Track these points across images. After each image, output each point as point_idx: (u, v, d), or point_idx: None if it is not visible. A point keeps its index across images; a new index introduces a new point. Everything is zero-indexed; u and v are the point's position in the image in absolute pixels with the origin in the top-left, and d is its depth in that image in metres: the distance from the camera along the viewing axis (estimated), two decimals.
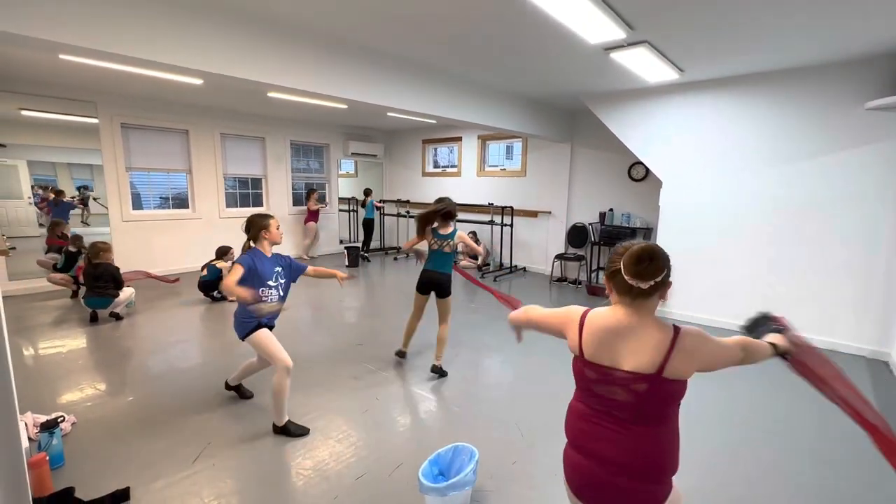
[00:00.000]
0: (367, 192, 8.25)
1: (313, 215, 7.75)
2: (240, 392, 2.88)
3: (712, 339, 1.13)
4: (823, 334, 4.00)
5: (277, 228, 2.53)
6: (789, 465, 2.32)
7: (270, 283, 2.49)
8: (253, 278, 2.40)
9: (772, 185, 4.16)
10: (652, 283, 1.07)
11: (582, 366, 1.18)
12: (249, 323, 2.45)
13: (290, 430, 2.46)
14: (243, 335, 2.48)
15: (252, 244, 2.50)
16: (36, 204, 5.61)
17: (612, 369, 1.11)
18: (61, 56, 2.77)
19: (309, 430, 2.50)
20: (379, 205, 8.51)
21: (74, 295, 5.05)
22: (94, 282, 4.21)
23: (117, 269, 4.38)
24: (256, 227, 2.48)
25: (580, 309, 1.22)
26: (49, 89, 5.21)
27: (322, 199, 7.96)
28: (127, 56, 2.54)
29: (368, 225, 8.32)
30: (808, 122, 3.94)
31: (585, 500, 1.19)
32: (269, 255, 2.50)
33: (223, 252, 5.25)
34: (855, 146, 3.75)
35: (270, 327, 2.57)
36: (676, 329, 1.11)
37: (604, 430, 1.14)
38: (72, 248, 5.29)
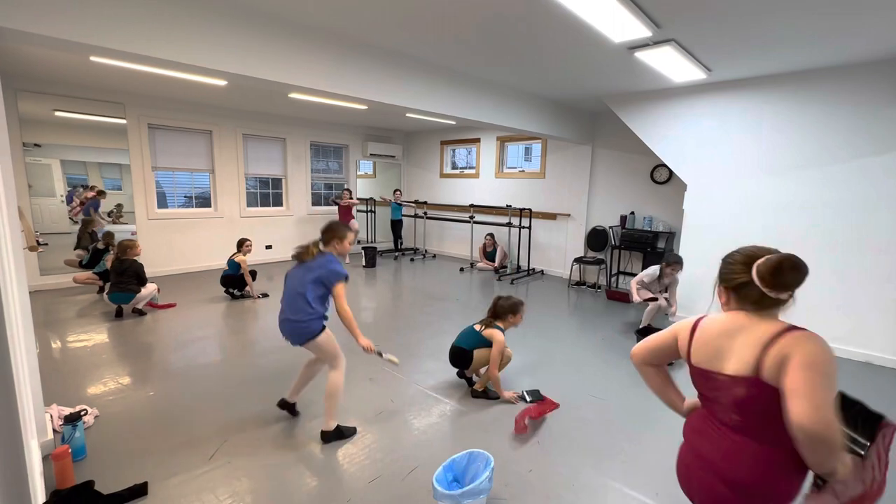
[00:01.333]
0: (399, 192, 8.21)
1: (348, 215, 7.69)
2: (292, 410, 2.66)
3: (824, 365, 0.93)
4: (859, 346, 3.82)
5: (350, 243, 2.51)
6: None
7: None
8: None
9: (806, 188, 3.99)
10: (792, 292, 1.05)
11: (690, 371, 1.19)
12: (319, 322, 2.36)
13: (343, 433, 2.45)
14: (310, 337, 2.34)
15: (322, 247, 2.43)
16: (68, 202, 5.77)
17: (715, 373, 1.10)
18: (92, 58, 2.86)
19: (356, 428, 2.52)
20: (401, 202, 8.36)
21: (101, 290, 5.20)
22: (118, 277, 4.33)
23: (141, 265, 4.49)
24: (333, 233, 2.43)
25: (694, 318, 1.22)
26: (81, 91, 5.39)
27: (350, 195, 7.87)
28: (154, 57, 2.59)
29: (395, 226, 8.26)
30: (846, 122, 3.76)
31: (688, 493, 1.22)
32: None
33: (241, 244, 5.29)
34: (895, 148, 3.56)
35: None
36: (791, 327, 1.02)
37: (707, 429, 1.15)
38: (100, 246, 5.45)
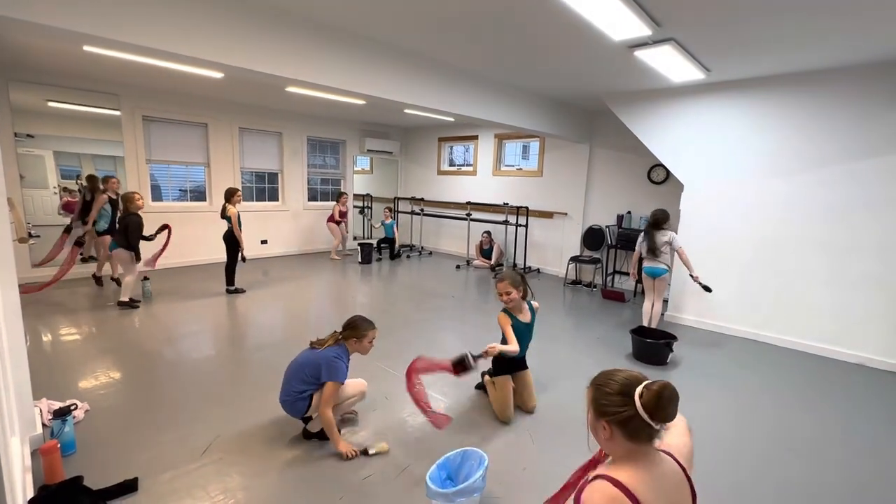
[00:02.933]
0: (389, 210, 8.15)
1: (342, 216, 7.66)
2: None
3: None
4: (851, 347, 3.84)
5: (371, 342, 2.39)
6: (815, 485, 2.21)
7: None
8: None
9: (800, 190, 4.00)
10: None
11: None
12: (306, 402, 2.29)
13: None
14: (306, 410, 2.31)
15: (341, 340, 2.36)
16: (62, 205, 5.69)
17: None
18: (85, 48, 2.81)
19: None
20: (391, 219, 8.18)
21: (98, 282, 5.16)
22: (120, 231, 4.45)
23: (134, 223, 4.41)
24: (353, 330, 2.34)
25: (618, 498, 0.94)
26: (74, 81, 5.32)
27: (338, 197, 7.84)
28: (149, 48, 2.55)
29: (387, 241, 8.10)
30: (841, 124, 3.77)
31: None
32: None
33: (231, 194, 5.05)
34: (891, 152, 3.57)
35: None
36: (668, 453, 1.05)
37: None
38: (87, 197, 5.39)
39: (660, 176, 5.76)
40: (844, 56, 3.42)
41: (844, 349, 3.87)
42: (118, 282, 4.46)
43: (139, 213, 4.47)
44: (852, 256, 3.80)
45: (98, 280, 5.22)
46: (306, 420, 2.40)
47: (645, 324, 4.09)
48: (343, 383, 2.29)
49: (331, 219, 7.62)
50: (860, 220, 3.75)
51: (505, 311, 2.71)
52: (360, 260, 7.30)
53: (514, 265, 7.15)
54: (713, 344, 4.16)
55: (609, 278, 6.26)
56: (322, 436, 2.37)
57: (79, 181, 5.82)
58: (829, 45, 3.19)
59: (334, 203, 7.68)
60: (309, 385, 2.28)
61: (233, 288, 5.19)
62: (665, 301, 3.86)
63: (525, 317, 2.72)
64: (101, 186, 5.08)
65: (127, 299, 4.44)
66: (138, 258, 4.46)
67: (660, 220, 4.07)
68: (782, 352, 4.03)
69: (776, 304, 4.19)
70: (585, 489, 0.98)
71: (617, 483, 0.95)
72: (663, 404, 0.95)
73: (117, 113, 5.70)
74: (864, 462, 2.42)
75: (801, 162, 3.98)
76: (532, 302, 2.79)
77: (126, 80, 5.51)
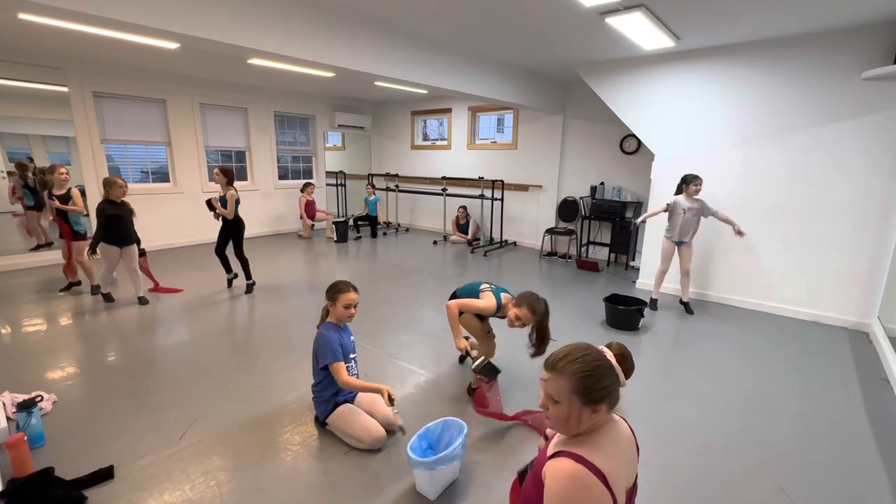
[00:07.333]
0: (372, 187, 7.99)
1: (310, 210, 7.49)
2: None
3: None
4: (809, 307, 4.06)
5: (347, 307, 2.17)
6: (771, 434, 2.36)
7: (352, 355, 2.30)
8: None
9: (765, 157, 4.12)
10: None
11: None
12: (331, 401, 2.22)
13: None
14: (325, 416, 2.23)
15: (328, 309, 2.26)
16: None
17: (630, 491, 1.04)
18: (20, 16, 2.58)
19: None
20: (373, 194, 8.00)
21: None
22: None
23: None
24: (328, 294, 2.21)
25: (584, 477, 0.91)
26: (12, 54, 4.90)
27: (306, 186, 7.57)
28: (91, 15, 2.36)
29: (367, 219, 7.96)
30: (803, 92, 3.87)
31: None
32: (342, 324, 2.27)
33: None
34: (850, 117, 3.70)
35: (350, 400, 2.29)
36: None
37: None
38: (31, 183, 5.16)
39: (632, 146, 5.82)
40: (807, 24, 3.47)
41: (801, 308, 4.10)
42: (108, 297, 4.15)
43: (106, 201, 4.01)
44: (815, 220, 3.96)
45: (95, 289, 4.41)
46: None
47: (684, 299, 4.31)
48: (339, 360, 2.13)
49: (306, 213, 7.46)
50: (820, 184, 3.89)
51: (499, 308, 2.48)
52: (335, 239, 7.19)
53: (491, 239, 7.18)
54: (680, 308, 4.33)
55: (583, 249, 6.38)
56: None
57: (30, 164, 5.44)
58: (794, 11, 3.22)
59: (301, 194, 7.50)
60: (319, 377, 2.21)
61: (233, 275, 4.77)
62: (686, 274, 4.29)
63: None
64: (48, 178, 4.61)
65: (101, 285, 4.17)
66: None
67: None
68: (744, 313, 4.23)
69: (740, 268, 4.37)
70: (548, 466, 0.96)
71: (580, 459, 0.92)
72: (626, 355, 1.05)
73: (64, 89, 5.32)
74: (816, 410, 2.59)
75: (766, 129, 4.08)
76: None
77: (72, 53, 5.12)
